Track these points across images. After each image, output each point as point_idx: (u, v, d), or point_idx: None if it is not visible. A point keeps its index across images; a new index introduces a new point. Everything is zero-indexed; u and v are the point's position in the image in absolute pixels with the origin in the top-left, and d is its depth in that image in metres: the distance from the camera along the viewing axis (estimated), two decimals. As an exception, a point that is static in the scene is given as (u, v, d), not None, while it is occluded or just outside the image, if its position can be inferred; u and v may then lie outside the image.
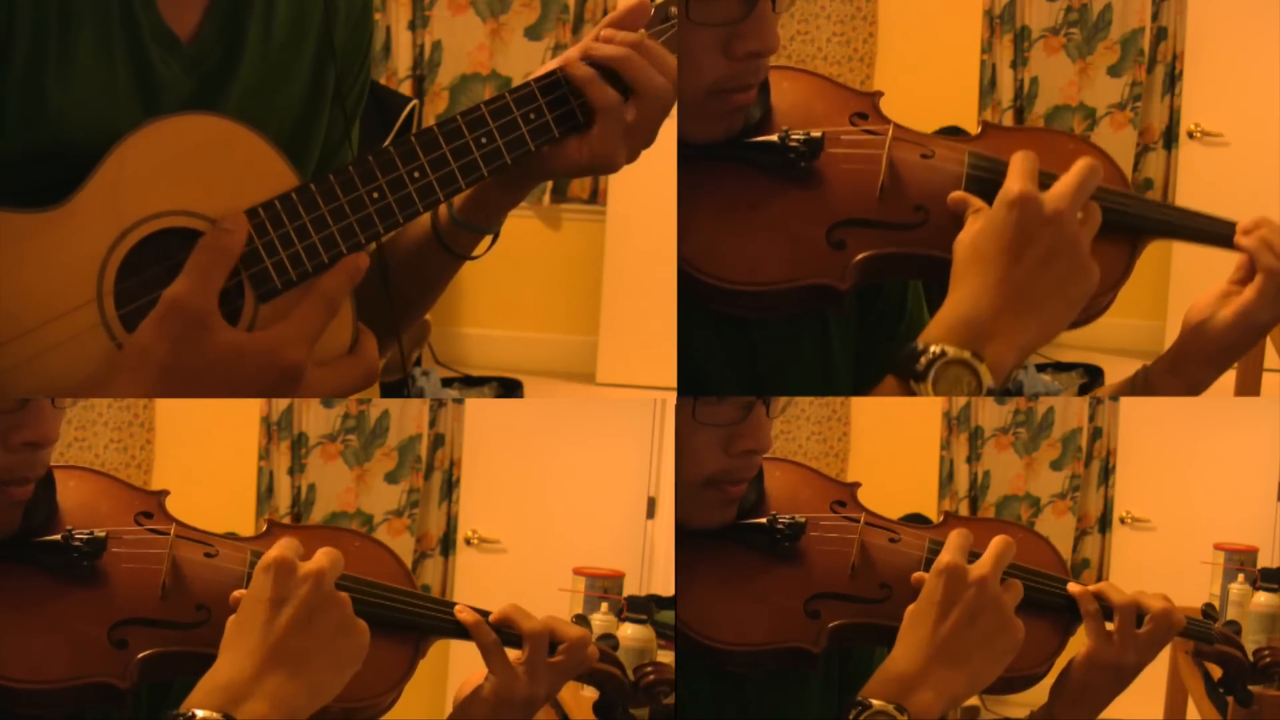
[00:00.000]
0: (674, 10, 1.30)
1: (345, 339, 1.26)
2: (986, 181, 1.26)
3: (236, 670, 1.17)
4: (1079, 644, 1.40)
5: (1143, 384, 1.42)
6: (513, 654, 1.35)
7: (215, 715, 1.15)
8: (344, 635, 1.20)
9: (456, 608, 1.35)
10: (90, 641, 1.25)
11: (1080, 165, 1.25)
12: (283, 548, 1.20)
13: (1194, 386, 1.39)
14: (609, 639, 1.42)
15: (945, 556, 1.27)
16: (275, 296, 1.23)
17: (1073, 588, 1.38)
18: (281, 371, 1.21)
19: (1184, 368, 1.38)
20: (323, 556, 1.21)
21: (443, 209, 1.37)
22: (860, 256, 1.28)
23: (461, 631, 1.35)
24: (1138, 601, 1.38)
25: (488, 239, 1.40)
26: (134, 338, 1.19)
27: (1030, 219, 1.22)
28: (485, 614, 1.35)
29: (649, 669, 1.46)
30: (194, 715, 1.15)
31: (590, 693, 1.46)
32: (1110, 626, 1.39)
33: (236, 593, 1.22)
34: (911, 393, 1.22)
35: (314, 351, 1.24)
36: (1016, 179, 1.23)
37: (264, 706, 1.16)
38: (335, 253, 1.24)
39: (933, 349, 1.21)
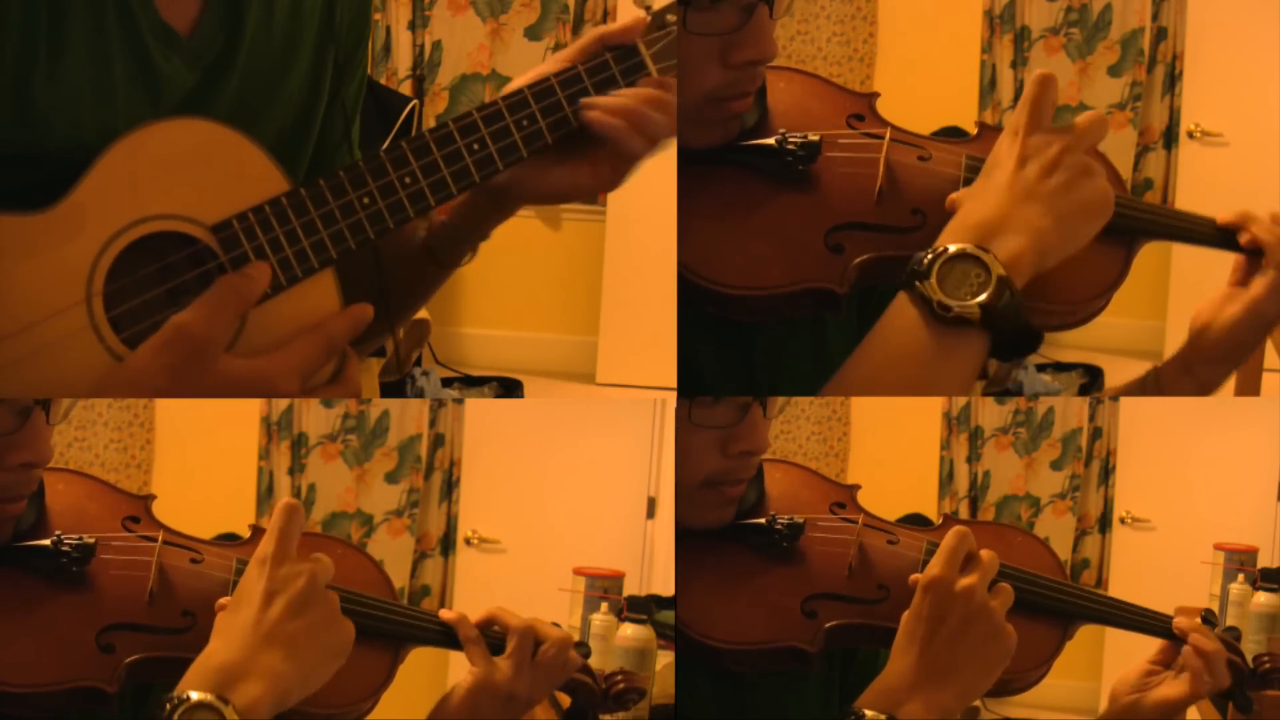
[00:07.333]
0: (671, 17, 1.29)
1: (330, 366, 1.27)
2: None
3: (231, 652, 1.18)
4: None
5: (1153, 386, 1.42)
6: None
7: (209, 697, 1.16)
8: (333, 628, 1.23)
9: (440, 610, 1.38)
10: (78, 646, 1.26)
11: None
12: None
13: (1206, 385, 1.40)
14: (580, 647, 1.44)
15: (932, 569, 1.27)
16: (264, 301, 1.24)
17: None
18: (271, 397, 1.23)
19: (1196, 368, 1.39)
20: (315, 558, 1.23)
21: (437, 222, 1.37)
22: (858, 260, 1.27)
23: (440, 639, 1.37)
24: None
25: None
26: (133, 360, 1.20)
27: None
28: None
29: (619, 678, 1.49)
30: (188, 698, 1.16)
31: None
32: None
33: (222, 600, 1.24)
34: (923, 298, 1.20)
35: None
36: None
37: (259, 686, 1.17)
38: (325, 257, 1.24)
39: (935, 248, 1.21)
